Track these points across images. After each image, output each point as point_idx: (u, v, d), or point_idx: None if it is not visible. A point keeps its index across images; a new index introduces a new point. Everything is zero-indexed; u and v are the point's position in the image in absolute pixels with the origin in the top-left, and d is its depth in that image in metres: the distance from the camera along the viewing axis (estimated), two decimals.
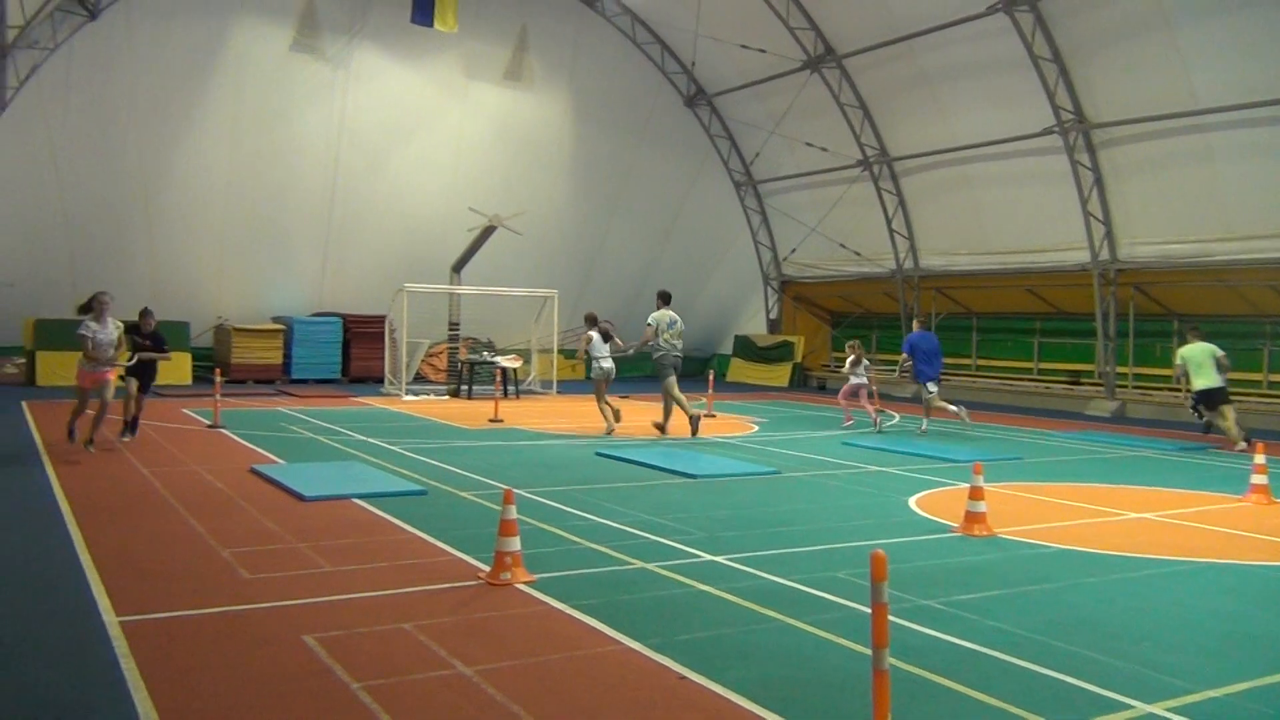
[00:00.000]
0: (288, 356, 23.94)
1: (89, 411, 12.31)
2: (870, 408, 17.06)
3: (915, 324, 18.06)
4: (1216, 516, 9.60)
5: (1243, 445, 14.60)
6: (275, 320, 24.55)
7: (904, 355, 17.14)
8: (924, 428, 16.57)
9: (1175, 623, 6.03)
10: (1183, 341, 16.54)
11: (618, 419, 15.35)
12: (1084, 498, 10.53)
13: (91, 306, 12.23)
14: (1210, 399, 15.19)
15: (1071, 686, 4.88)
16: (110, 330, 12.15)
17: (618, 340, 16.41)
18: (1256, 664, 5.27)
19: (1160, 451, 14.99)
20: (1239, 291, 20.14)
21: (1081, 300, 22.32)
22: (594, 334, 15.70)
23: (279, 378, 23.70)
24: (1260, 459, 10.68)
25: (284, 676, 4.83)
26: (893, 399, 23.38)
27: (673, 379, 15.30)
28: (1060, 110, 20.60)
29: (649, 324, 15.45)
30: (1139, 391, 21.74)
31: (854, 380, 17.31)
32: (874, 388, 18.20)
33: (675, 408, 15.31)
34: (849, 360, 17.49)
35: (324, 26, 23.80)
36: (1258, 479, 10.51)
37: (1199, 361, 15.07)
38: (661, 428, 15.33)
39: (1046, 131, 20.99)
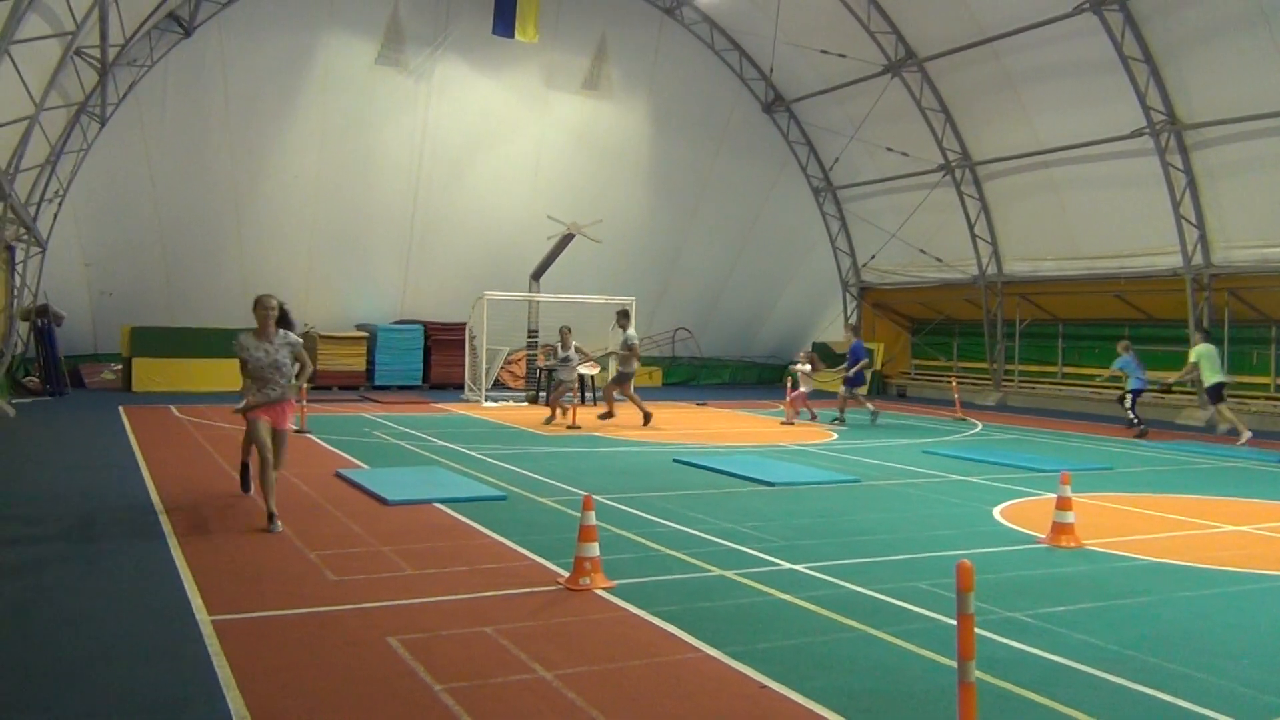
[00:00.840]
0: (371, 363, 24.40)
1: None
2: (793, 407, 18.88)
3: (852, 334, 20.68)
4: None
5: (1249, 435, 16.62)
6: (359, 328, 25.06)
7: (864, 361, 19.34)
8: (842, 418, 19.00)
9: (1274, 639, 5.81)
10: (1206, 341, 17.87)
11: (612, 415, 17.79)
12: (1177, 509, 10.21)
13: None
14: (1217, 392, 17.21)
15: (1165, 703, 4.74)
16: (277, 348, 8.58)
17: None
18: None
19: (1259, 462, 14.46)
20: None
21: (1172, 306, 21.65)
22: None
23: (363, 384, 24.16)
24: None
25: (369, 677, 4.92)
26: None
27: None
28: (1151, 111, 20.03)
29: (637, 340, 18.59)
30: (1236, 400, 20.98)
31: (804, 388, 19.12)
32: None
33: (617, 403, 18.17)
34: (806, 367, 19.37)
35: (408, 39, 24.25)
36: None
37: (1211, 359, 17.11)
38: (607, 415, 17.87)
39: (1137, 133, 20.43)
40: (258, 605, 6.09)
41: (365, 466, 11.93)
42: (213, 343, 21.40)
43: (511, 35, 23.46)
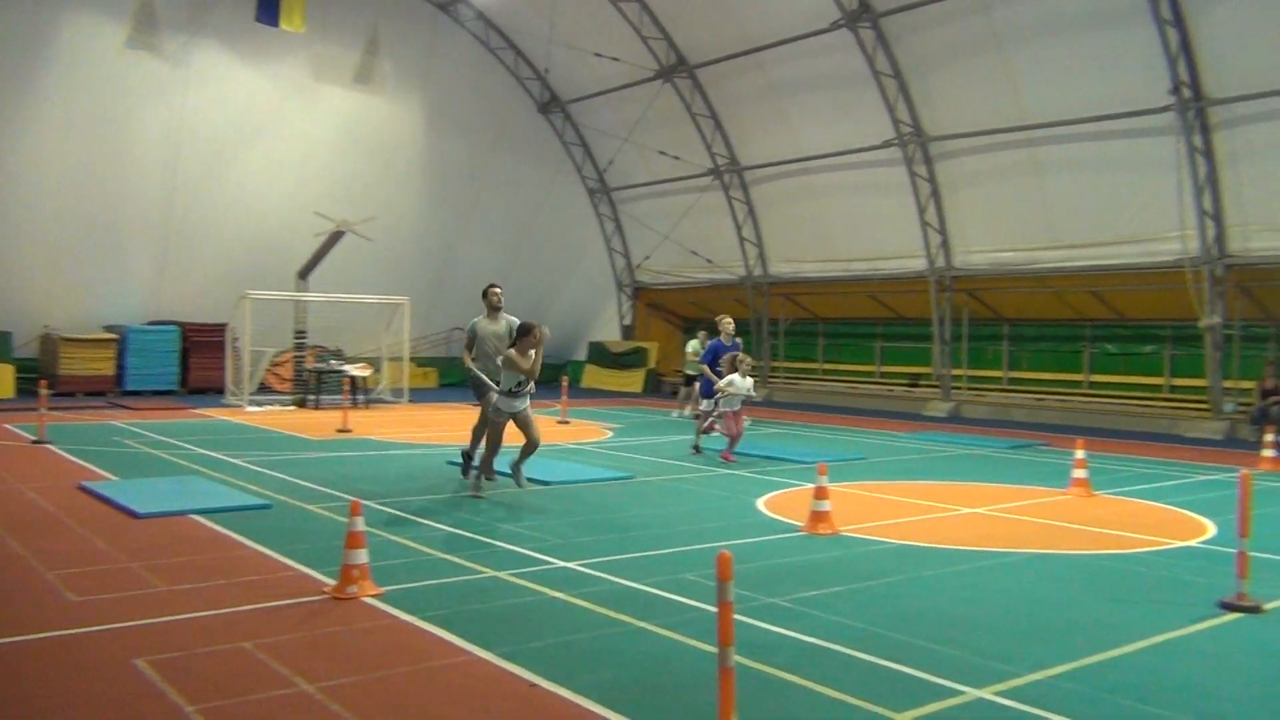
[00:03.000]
0: (121, 367, 22.79)
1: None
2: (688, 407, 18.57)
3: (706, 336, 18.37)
4: (1041, 509, 10.15)
5: None
6: (108, 329, 23.34)
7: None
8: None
9: (1003, 611, 6.36)
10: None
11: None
12: (922, 495, 10.99)
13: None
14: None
15: (909, 676, 5.09)
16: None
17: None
18: (1078, 646, 5.60)
19: (992, 449, 15.76)
20: (1063, 297, 21.39)
21: (920, 306, 23.30)
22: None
23: (111, 389, 22.53)
24: (1080, 454, 11.35)
25: (113, 703, 4.60)
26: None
27: None
28: (900, 123, 21.47)
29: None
30: (972, 393, 22.81)
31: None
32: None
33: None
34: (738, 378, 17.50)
35: (162, 23, 22.82)
36: (1078, 473, 11.17)
37: None
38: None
39: (886, 144, 21.84)
40: None
41: (113, 478, 11.13)
42: None
43: (276, 24, 22.48)
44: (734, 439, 13.57)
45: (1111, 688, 4.94)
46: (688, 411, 18.80)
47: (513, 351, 9.80)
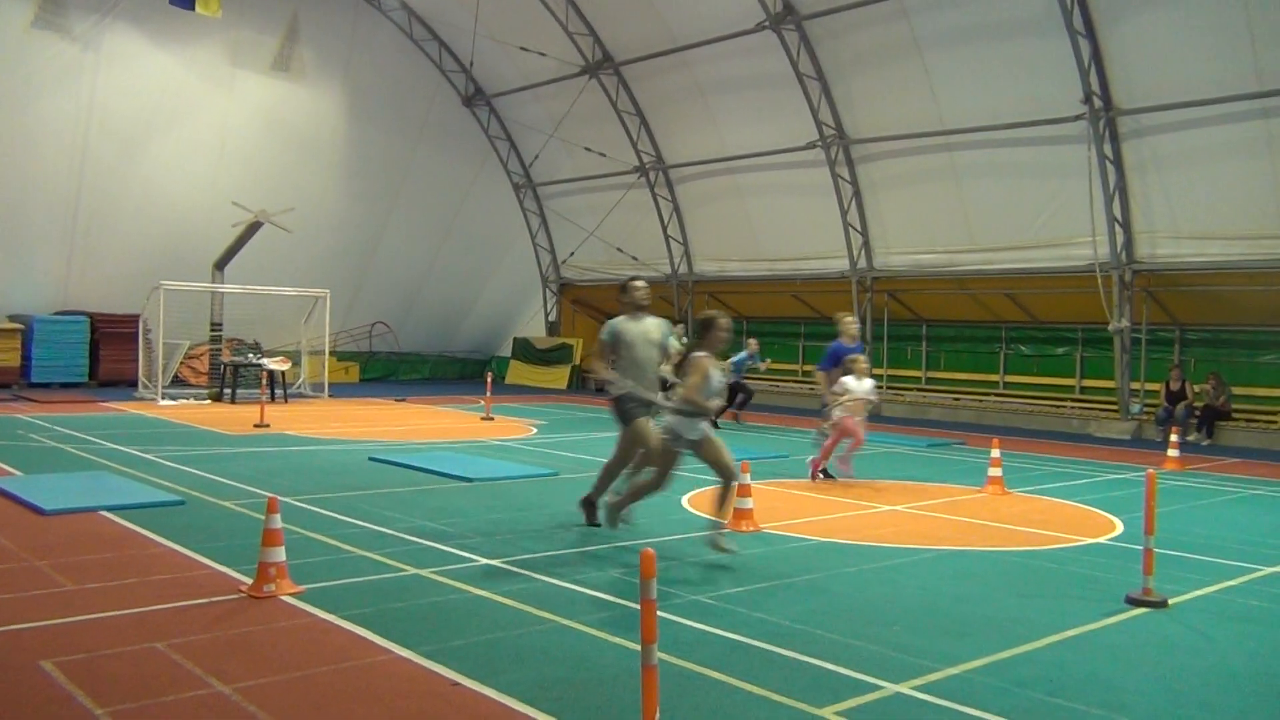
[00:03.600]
0: (26, 358, 22.01)
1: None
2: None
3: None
4: (958, 507, 10.38)
5: None
6: (12, 319, 22.52)
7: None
8: None
9: (921, 607, 6.48)
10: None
11: None
12: (842, 492, 11.15)
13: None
14: None
15: (829, 671, 5.16)
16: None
17: None
18: (992, 641, 5.73)
19: (910, 448, 16.06)
20: (980, 299, 21.89)
21: (842, 306, 23.58)
22: None
23: (16, 381, 21.75)
24: (995, 453, 11.63)
25: (18, 707, 4.44)
26: None
27: None
28: (823, 125, 21.75)
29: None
30: (892, 391, 23.21)
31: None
32: None
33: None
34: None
35: (71, 3, 22.06)
36: (993, 472, 11.46)
37: None
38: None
39: (810, 145, 22.11)
40: None
41: (18, 474, 10.76)
42: None
43: (192, 8, 21.85)
44: (853, 446, 11.91)
45: (1023, 681, 5.07)
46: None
47: (704, 358, 7.64)
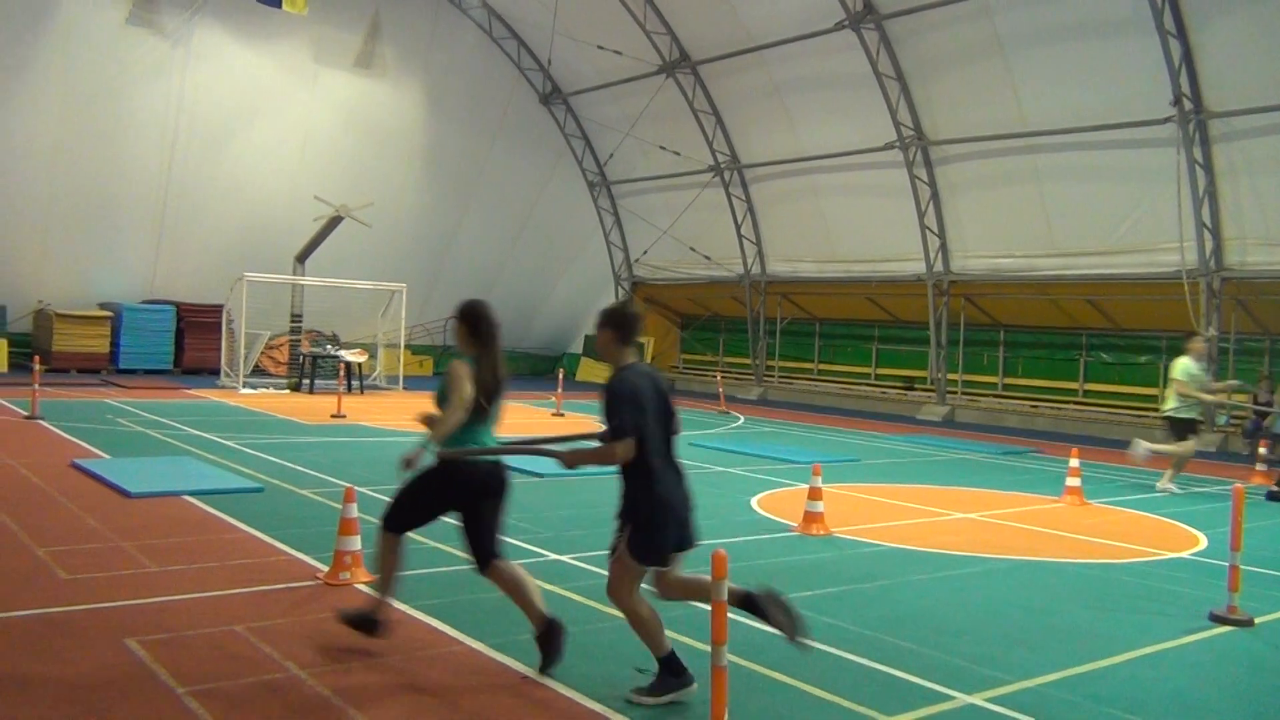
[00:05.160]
0: (115, 345, 22.73)
1: None
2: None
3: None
4: (1034, 516, 10.18)
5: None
6: (103, 306, 23.27)
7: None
8: None
9: (993, 617, 6.37)
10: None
11: None
12: (914, 498, 11.00)
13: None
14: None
15: (899, 679, 5.10)
16: None
17: None
18: (1067, 655, 5.61)
19: (985, 455, 15.79)
20: (1060, 305, 21.42)
21: (916, 309, 23.31)
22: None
23: (105, 367, 22.48)
24: (1074, 462, 11.37)
25: (104, 682, 4.59)
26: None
27: None
28: (901, 126, 21.46)
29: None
30: (967, 397, 22.85)
31: None
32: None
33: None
34: None
35: (163, 1, 22.71)
36: (1071, 481, 11.20)
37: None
38: None
39: (888, 146, 21.83)
40: None
41: (106, 456, 11.12)
42: None
43: (278, 4, 22.38)
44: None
45: (1101, 697, 4.96)
46: (1169, 484, 12.21)
47: None
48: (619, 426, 4.56)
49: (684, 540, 4.80)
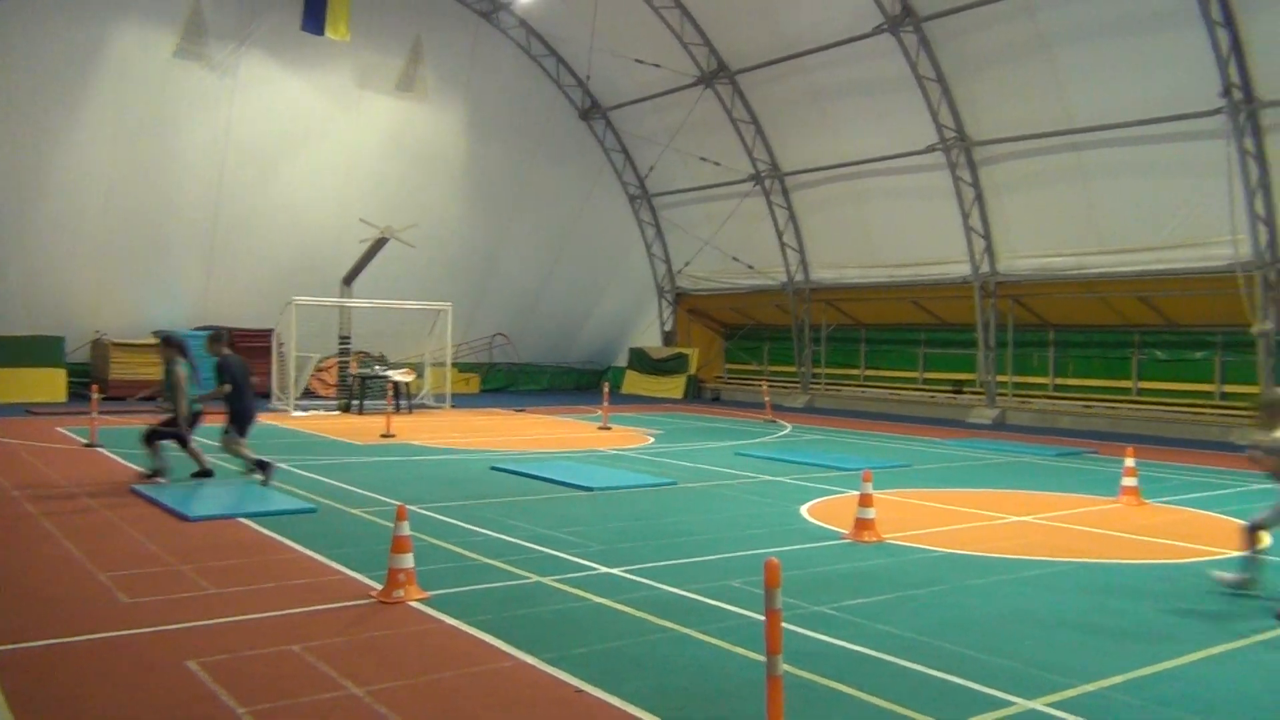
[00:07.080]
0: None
1: None
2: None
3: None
4: (1091, 518, 10.00)
5: None
6: (156, 334, 23.70)
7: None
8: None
9: (1053, 620, 6.26)
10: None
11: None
12: (967, 503, 10.87)
13: None
14: None
15: (957, 686, 5.03)
16: None
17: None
18: (1131, 657, 5.50)
19: (1038, 457, 15.56)
20: (1110, 302, 21.07)
21: (963, 312, 23.05)
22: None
23: (161, 394, 22.81)
24: (1130, 462, 11.17)
25: (166, 704, 4.66)
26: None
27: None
28: (943, 128, 21.28)
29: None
30: (1018, 399, 22.54)
31: None
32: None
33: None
34: None
35: (210, 33, 23.17)
36: (1128, 481, 11.00)
37: None
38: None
39: (930, 149, 21.66)
40: (41, 633, 5.67)
41: (164, 481, 11.30)
42: None
43: (321, 32, 22.76)
44: None
45: (1166, 700, 4.86)
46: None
47: None
48: None
49: None
